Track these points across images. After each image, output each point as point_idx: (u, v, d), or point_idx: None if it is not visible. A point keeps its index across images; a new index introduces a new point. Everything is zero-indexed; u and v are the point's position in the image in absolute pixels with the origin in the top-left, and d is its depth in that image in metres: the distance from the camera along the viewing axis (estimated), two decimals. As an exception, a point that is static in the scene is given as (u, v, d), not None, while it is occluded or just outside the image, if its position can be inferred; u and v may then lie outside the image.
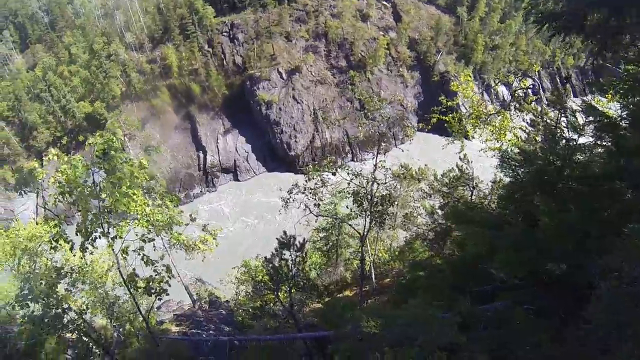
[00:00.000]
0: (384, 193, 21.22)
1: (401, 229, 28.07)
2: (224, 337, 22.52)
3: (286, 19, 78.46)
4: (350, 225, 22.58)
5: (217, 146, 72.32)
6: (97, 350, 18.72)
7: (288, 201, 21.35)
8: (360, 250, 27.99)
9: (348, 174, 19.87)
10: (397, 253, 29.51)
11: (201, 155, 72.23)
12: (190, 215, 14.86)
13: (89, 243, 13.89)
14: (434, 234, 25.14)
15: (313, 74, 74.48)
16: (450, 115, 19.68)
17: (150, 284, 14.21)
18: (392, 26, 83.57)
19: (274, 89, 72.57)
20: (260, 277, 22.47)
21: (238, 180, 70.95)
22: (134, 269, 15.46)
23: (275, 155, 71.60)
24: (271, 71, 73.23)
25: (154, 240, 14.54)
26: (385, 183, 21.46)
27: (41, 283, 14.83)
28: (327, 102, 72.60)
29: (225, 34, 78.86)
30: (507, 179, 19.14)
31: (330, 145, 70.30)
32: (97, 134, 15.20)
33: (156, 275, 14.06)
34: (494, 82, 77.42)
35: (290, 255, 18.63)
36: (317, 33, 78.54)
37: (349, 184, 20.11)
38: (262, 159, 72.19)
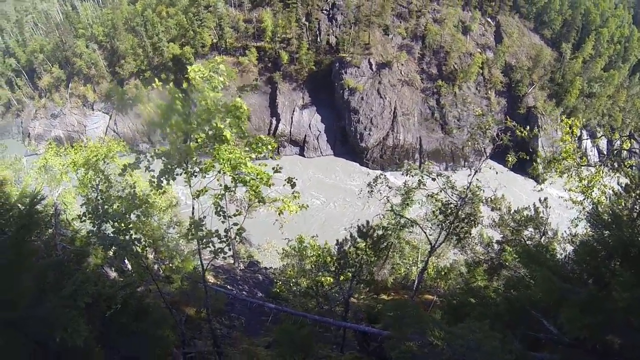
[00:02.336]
0: (471, 212, 20.33)
1: (456, 249, 27.17)
2: (270, 305, 22.30)
3: (388, 12, 77.10)
4: (424, 231, 21.69)
5: (292, 117, 72.86)
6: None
7: (372, 190, 20.89)
8: (423, 259, 27.29)
9: (444, 183, 19.21)
10: (444, 272, 28.59)
11: (274, 121, 73.13)
12: (275, 168, 14.24)
13: (170, 177, 13.75)
14: (487, 265, 24.23)
15: (402, 73, 73.19)
16: (541, 156, 18.76)
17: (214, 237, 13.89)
18: (491, 45, 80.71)
19: (361, 77, 71.85)
20: (317, 257, 22.12)
21: (303, 156, 71.52)
22: (204, 216, 15.21)
23: (345, 142, 71.47)
24: (362, 60, 72.54)
25: (233, 191, 14.12)
26: (473, 202, 20.55)
27: (117, 205, 14.84)
28: (409, 105, 71.19)
29: (325, 11, 78.50)
30: (582, 235, 18.26)
31: (402, 148, 69.20)
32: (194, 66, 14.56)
33: (224, 233, 13.74)
34: (598, 135, 73.04)
35: (367, 245, 18.12)
36: (415, 34, 77.08)
37: (440, 191, 19.36)
38: (331, 142, 72.31)
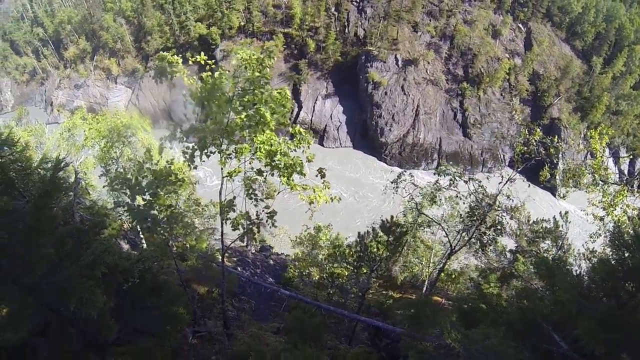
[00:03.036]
0: (498, 220, 20.08)
1: (469, 254, 26.94)
2: (285, 291, 22.17)
3: (418, 9, 76.24)
4: (446, 233, 21.33)
5: (314, 106, 72.61)
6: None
7: (397, 187, 20.68)
8: (436, 261, 26.98)
9: (476, 187, 18.99)
10: (454, 275, 28.32)
11: (296, 108, 72.93)
12: (308, 157, 13.98)
13: (205, 154, 13.53)
14: (499, 272, 23.93)
15: (428, 71, 72.53)
16: (562, 170, 18.43)
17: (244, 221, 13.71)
18: (519, 52, 79.32)
19: (387, 72, 71.35)
20: (334, 248, 21.95)
21: (322, 146, 71.30)
22: (234, 197, 15.01)
23: (365, 135, 71.07)
24: (389, 54, 71.99)
25: (263, 177, 13.93)
26: (499, 210, 20.27)
27: (150, 178, 14.66)
28: (432, 104, 70.53)
29: (355, 3, 77.99)
30: (600, 252, 17.93)
31: (421, 147, 68.65)
32: (240, 48, 14.25)
33: (255, 217, 13.53)
34: (621, 154, 71.62)
35: (388, 241, 17.89)
36: (444, 33, 76.20)
37: (470, 195, 19.11)
38: (351, 134, 71.97)
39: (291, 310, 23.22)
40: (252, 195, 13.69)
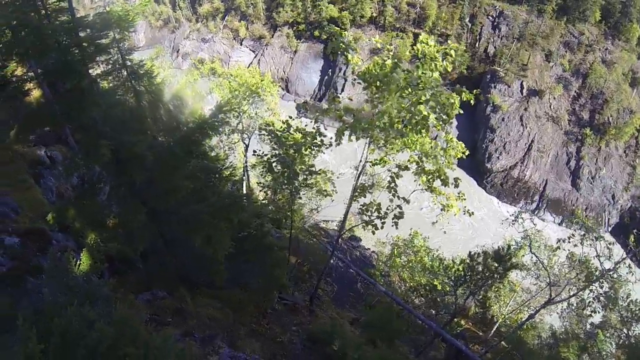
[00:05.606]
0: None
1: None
2: (382, 287, 22.17)
3: (556, 37, 71.61)
4: (549, 279, 20.11)
5: (430, 114, 70.51)
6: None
7: (515, 222, 20.31)
8: (515, 304, 25.79)
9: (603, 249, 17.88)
10: (527, 327, 26.49)
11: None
12: (456, 181, 13.77)
13: (355, 136, 13.63)
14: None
15: (551, 107, 67.76)
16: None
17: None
18: (658, 109, 71.85)
19: (509, 98, 67.91)
20: (439, 262, 21.62)
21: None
22: (372, 183, 15.02)
23: (471, 155, 67.53)
24: (515, 79, 68.48)
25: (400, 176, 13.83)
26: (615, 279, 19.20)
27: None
28: (547, 143, 65.79)
29: (490, 17, 74.81)
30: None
31: (524, 184, 64.11)
32: (423, 36, 14.00)
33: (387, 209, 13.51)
34: None
35: (499, 265, 17.35)
36: (577, 69, 70.41)
37: (596, 257, 18.24)
38: (459, 150, 69.05)
39: (371, 306, 23.29)
40: (392, 190, 13.67)
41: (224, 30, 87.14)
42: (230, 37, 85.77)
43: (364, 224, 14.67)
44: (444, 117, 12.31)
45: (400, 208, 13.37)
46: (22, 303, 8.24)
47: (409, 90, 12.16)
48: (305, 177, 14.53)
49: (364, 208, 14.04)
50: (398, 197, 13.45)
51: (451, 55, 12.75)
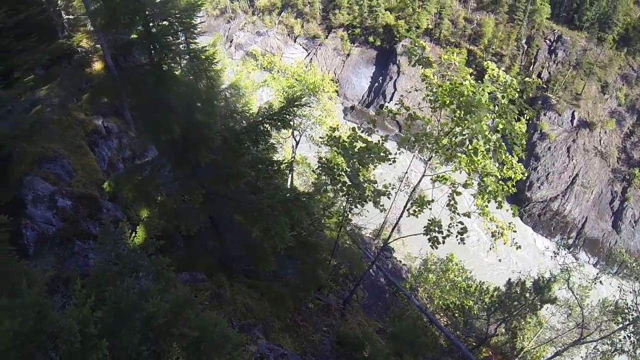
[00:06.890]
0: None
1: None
2: (416, 301, 22.41)
3: (614, 68, 68.76)
4: (582, 319, 19.92)
5: (474, 136, 69.19)
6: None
7: (557, 255, 20.36)
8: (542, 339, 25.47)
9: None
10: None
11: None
12: (514, 211, 13.89)
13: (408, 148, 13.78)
14: None
15: (602, 142, 65.20)
16: None
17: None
18: None
19: (558, 127, 65.89)
20: (474, 287, 21.66)
21: (468, 176, 68.17)
22: (432, 199, 15.01)
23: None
24: (566, 109, 66.42)
25: (459, 193, 13.93)
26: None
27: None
28: (592, 179, 63.03)
29: (547, 41, 72.96)
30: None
31: (563, 219, 61.27)
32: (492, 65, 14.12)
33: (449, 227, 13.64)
34: None
35: (537, 296, 17.38)
36: (633, 104, 67.44)
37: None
38: (500, 175, 67.54)
39: (398, 318, 23.45)
40: (453, 208, 13.86)
41: (279, 25, 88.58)
42: (284, 33, 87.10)
43: (429, 241, 14.69)
44: (517, 148, 12.50)
45: (462, 223, 13.59)
46: (68, 265, 8.56)
47: (489, 116, 12.41)
48: (370, 193, 14.76)
49: (430, 224, 14.29)
50: (458, 213, 13.68)
51: (531, 89, 12.97)
